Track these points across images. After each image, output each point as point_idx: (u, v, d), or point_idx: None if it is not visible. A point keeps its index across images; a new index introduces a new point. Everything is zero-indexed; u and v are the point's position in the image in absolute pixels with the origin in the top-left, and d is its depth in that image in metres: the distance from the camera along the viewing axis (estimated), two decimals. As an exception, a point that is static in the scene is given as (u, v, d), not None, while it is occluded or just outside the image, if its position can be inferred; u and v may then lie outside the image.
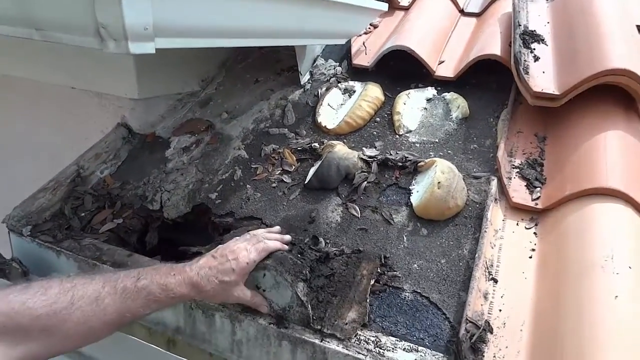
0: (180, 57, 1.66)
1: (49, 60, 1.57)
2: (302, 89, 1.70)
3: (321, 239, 1.18)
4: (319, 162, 1.37)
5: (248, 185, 1.38)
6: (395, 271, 1.09)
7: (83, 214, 1.36)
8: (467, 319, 0.94)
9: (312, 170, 1.37)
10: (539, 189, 1.18)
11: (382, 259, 1.11)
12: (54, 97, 1.68)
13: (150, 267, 0.87)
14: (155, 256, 1.34)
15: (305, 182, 1.34)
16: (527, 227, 1.13)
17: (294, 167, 1.42)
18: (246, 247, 0.93)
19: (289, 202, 1.31)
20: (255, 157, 1.48)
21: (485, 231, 1.09)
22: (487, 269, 1.04)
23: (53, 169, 1.45)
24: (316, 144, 1.45)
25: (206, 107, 1.72)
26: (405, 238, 1.16)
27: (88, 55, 1.54)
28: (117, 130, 1.59)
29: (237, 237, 0.98)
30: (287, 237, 1.05)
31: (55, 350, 0.70)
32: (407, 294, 1.04)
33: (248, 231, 1.24)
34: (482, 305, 0.98)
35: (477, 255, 1.05)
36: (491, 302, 0.99)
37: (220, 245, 0.95)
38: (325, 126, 1.53)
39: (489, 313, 0.97)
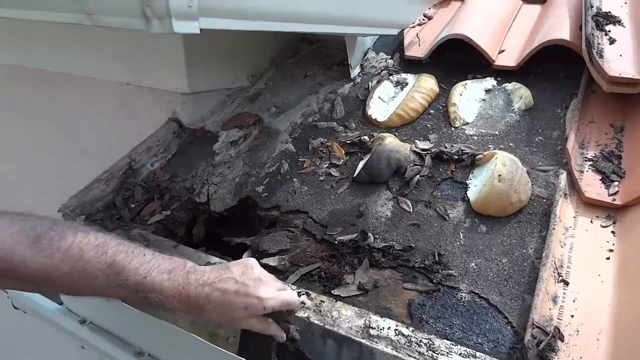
0: (230, 51, 1.66)
1: (105, 57, 1.62)
2: (352, 83, 1.65)
3: (370, 234, 1.11)
4: (368, 155, 1.31)
5: (295, 179, 1.34)
6: (450, 269, 1.00)
7: (133, 205, 1.37)
8: (533, 324, 0.83)
9: (361, 164, 1.31)
10: (616, 183, 1.05)
11: (436, 256, 1.03)
12: (110, 94, 1.73)
13: (164, 268, 0.80)
14: (200, 248, 1.33)
15: (354, 176, 1.28)
16: (603, 225, 1.01)
17: (342, 160, 1.36)
18: (270, 286, 0.82)
19: (337, 195, 1.26)
20: (302, 150, 1.43)
21: (554, 228, 0.98)
22: (557, 269, 0.93)
23: (107, 161, 1.48)
24: (366, 137, 1.39)
25: (255, 102, 1.71)
26: (461, 235, 1.07)
27: (142, 52, 1.57)
28: (168, 124, 1.61)
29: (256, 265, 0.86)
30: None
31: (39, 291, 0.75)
32: (463, 294, 0.95)
33: (290, 227, 1.20)
34: (550, 309, 0.88)
35: (544, 254, 0.94)
36: (561, 306, 0.88)
37: (247, 262, 0.85)
38: (375, 119, 1.46)
39: (558, 318, 0.87)
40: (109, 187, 1.41)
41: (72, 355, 1.29)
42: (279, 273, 1.10)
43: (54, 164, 1.98)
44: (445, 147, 1.28)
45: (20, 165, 2.18)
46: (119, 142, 1.66)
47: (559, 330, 0.83)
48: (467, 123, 1.38)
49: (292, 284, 1.05)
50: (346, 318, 0.93)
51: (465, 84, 1.49)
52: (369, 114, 1.48)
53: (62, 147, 1.93)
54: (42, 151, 2.06)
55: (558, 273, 0.93)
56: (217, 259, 1.15)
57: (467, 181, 1.19)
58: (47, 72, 1.84)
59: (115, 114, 1.75)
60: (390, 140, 1.31)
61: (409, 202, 1.18)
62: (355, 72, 1.67)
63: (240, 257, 1.21)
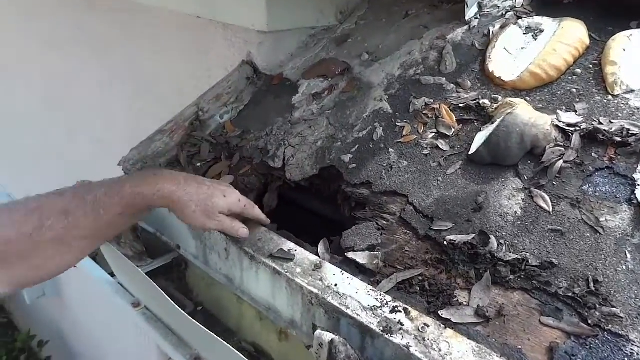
0: (317, -18, 1.36)
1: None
2: (466, 27, 1.30)
3: (492, 237, 0.85)
4: (492, 127, 1.00)
5: (391, 149, 1.07)
6: (613, 306, 0.72)
7: (199, 164, 1.19)
8: None
9: (480, 137, 1.01)
10: None
11: (591, 283, 0.75)
12: (179, 27, 1.51)
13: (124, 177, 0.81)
14: (272, 221, 1.14)
15: (470, 153, 1.00)
16: None
17: (453, 130, 1.07)
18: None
19: (446, 177, 0.98)
20: (401, 112, 1.15)
21: None
22: None
23: (174, 103, 1.30)
24: (486, 101, 1.07)
25: (343, 45, 1.42)
26: (629, 256, 0.77)
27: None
28: (241, 68, 1.37)
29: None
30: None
31: (40, 274, 0.70)
32: (635, 348, 0.68)
33: (383, 213, 0.95)
34: None
35: None
36: None
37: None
38: (499, 77, 1.13)
39: None
40: (173, 140, 1.22)
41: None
42: (369, 274, 0.88)
43: (122, 101, 1.84)
44: (601, 124, 0.95)
45: (92, 99, 2.07)
46: (188, 82, 1.47)
47: None
48: (632, 90, 1.01)
49: (386, 292, 0.83)
50: (460, 355, 0.70)
51: (630, 34, 1.10)
52: (490, 69, 1.15)
53: (130, 84, 1.77)
54: (111, 86, 1.93)
55: None
56: (291, 245, 0.94)
57: (634, 175, 0.86)
58: (116, 0, 1.65)
59: (184, 51, 1.54)
60: (524, 110, 0.99)
61: (547, 198, 0.88)
62: (471, 12, 1.32)
63: (316, 241, 0.99)
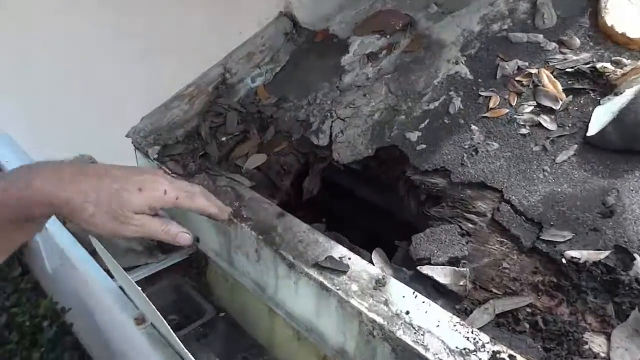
0: None
1: None
2: (567, -31, 1.00)
3: (638, 257, 0.59)
4: (619, 99, 0.74)
5: (474, 126, 0.82)
6: None
7: (224, 139, 0.96)
8: None
9: (601, 113, 0.75)
10: None
11: None
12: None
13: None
14: (312, 212, 0.92)
15: (590, 134, 0.73)
16: None
17: (560, 102, 0.80)
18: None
19: (556, 167, 0.72)
20: (485, 78, 0.89)
21: None
22: None
23: (196, 62, 1.06)
24: (606, 65, 0.80)
25: (404, -6, 1.14)
26: None
27: None
28: (278, 22, 1.12)
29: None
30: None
31: None
32: None
33: (468, 212, 0.71)
34: None
35: None
36: None
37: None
38: (622, 33, 0.86)
39: None
40: (194, 108, 1.00)
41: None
42: (452, 298, 0.64)
43: (134, 60, 1.60)
44: None
45: (102, 56, 1.84)
46: (213, 43, 1.22)
47: None
48: None
49: (480, 328, 0.59)
50: None
51: None
52: (607, 23, 0.87)
53: (142, 39, 1.52)
54: (129, 46, 1.70)
55: None
56: (343, 250, 0.71)
57: None
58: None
59: (210, 6, 1.29)
60: (670, 76, 0.71)
61: None
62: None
63: (371, 243, 0.76)
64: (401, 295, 0.64)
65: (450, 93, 0.89)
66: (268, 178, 0.93)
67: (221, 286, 0.96)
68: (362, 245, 0.83)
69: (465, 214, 0.72)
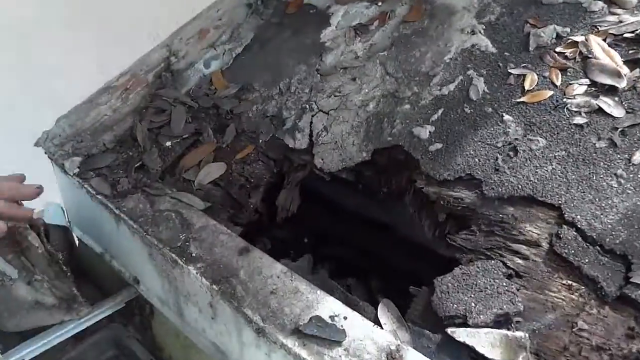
0: None
1: None
2: None
3: None
4: None
5: (507, 116, 0.60)
6: None
7: (168, 144, 0.72)
8: None
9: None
10: None
11: None
12: None
13: None
14: (292, 231, 0.70)
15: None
16: None
17: (624, 79, 0.58)
18: None
19: (634, 170, 0.51)
20: (513, 51, 0.67)
21: None
22: None
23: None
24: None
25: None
26: None
27: None
28: (238, -10, 0.87)
29: None
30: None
31: None
32: None
33: (514, 241, 0.49)
34: None
35: None
36: None
37: None
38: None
39: None
40: (128, 105, 0.75)
41: None
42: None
43: (86, 49, 1.33)
44: None
45: (51, 47, 1.55)
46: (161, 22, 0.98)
47: None
48: None
49: None
50: None
51: None
52: (671, -27, 0.65)
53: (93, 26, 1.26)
54: (71, 29, 1.42)
55: None
56: (337, 306, 0.49)
57: None
58: None
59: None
60: None
61: None
62: None
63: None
64: (429, 379, 0.41)
65: (469, 72, 0.66)
66: (229, 195, 0.69)
67: (171, 342, 0.72)
68: (360, 281, 0.61)
69: (509, 244, 0.50)
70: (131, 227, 0.62)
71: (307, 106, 0.71)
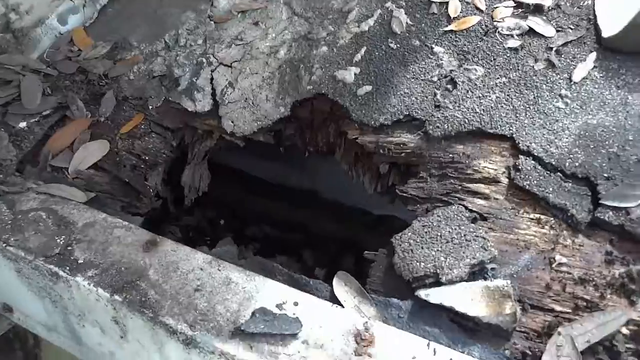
0: None
1: None
2: None
3: None
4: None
5: (437, 47, 0.53)
6: None
7: (23, 125, 0.54)
8: None
9: (616, 2, 0.51)
10: None
11: None
12: None
13: None
14: (208, 230, 0.59)
15: (607, 35, 0.49)
16: None
17: (546, -2, 0.55)
18: None
19: (576, 89, 0.48)
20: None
21: None
22: None
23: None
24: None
25: None
26: None
27: None
28: None
29: None
30: None
31: None
32: None
33: (471, 181, 0.43)
34: None
35: None
36: None
37: None
38: None
39: None
40: (-45, 79, 0.55)
41: None
42: (496, 338, 0.36)
43: None
44: None
45: None
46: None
47: None
48: None
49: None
50: None
51: None
52: None
53: None
54: None
55: None
56: (283, 289, 0.39)
57: None
58: None
59: None
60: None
61: None
62: None
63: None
64: (409, 355, 0.34)
65: (387, 5, 0.59)
66: (119, 180, 0.54)
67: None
68: (291, 258, 0.52)
69: (466, 185, 0.44)
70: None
71: (204, 60, 0.58)
